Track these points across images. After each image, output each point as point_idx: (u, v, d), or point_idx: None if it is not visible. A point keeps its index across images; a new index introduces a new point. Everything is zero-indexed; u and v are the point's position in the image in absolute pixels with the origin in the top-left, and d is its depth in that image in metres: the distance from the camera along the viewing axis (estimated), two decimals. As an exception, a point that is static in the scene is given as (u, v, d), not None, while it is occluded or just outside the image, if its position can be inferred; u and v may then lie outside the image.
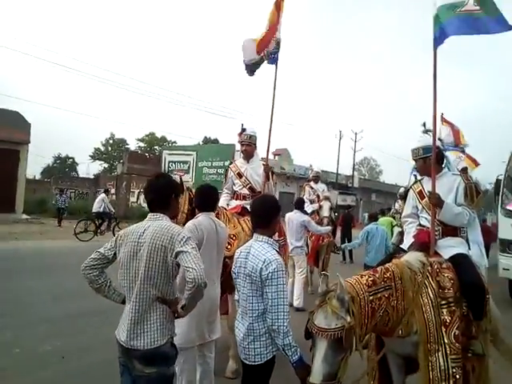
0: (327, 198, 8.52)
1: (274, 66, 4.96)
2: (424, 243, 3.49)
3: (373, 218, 8.55)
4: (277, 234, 4.93)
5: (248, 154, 5.19)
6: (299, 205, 7.86)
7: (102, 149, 58.46)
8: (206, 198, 3.65)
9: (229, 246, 4.38)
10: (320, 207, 8.46)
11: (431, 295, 3.11)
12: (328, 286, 2.70)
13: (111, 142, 58.56)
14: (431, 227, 3.51)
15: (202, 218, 3.57)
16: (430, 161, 3.64)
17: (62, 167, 58.10)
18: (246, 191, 5.13)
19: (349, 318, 2.62)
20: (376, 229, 7.97)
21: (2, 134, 20.35)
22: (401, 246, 3.76)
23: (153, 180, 2.73)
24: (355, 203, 37.35)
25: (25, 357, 4.62)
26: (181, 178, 4.25)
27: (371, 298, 2.82)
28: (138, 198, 24.63)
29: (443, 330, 3.05)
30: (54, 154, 58.70)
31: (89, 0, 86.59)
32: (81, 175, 48.26)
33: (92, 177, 40.16)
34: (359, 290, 2.79)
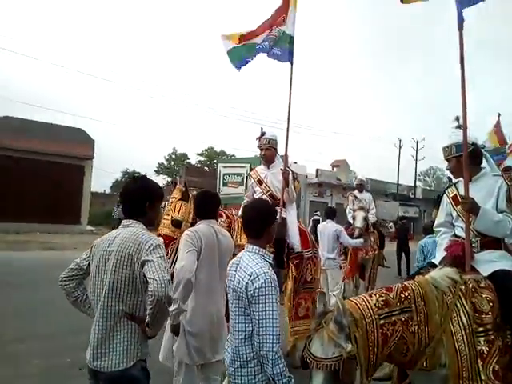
0: (362, 208, 7.85)
1: (288, 64, 4.58)
2: (457, 257, 2.93)
3: (428, 230, 7.74)
4: (300, 244, 4.53)
5: (268, 159, 4.84)
6: (330, 214, 7.35)
7: (166, 163, 60.73)
8: (206, 205, 3.36)
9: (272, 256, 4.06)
10: (354, 218, 7.83)
11: (464, 320, 2.56)
12: (326, 306, 2.28)
13: (174, 156, 60.68)
14: (466, 238, 2.95)
15: (201, 226, 3.30)
16: (453, 161, 3.12)
17: (130, 182, 60.92)
18: (266, 198, 4.77)
19: (349, 346, 2.18)
20: (433, 242, 7.22)
21: (67, 149, 21.68)
22: (433, 260, 3.20)
23: (127, 183, 2.49)
24: (418, 215, 35.24)
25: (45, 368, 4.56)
26: (185, 184, 4.01)
27: (382, 321, 2.35)
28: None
29: (479, 363, 2.50)
30: (123, 169, 61.88)
31: (142, 21, 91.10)
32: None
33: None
34: (366, 312, 2.33)
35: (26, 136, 20.45)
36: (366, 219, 7.63)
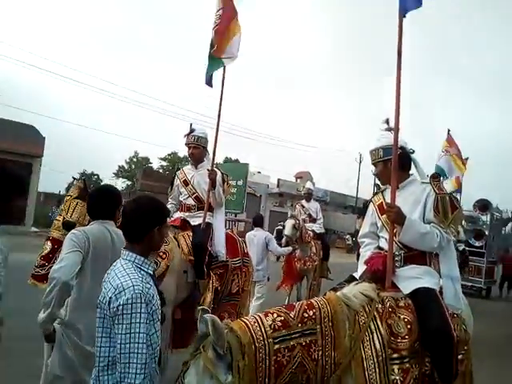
0: (292, 216, 7.53)
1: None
2: (377, 271, 2.61)
3: None
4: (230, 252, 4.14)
5: (195, 159, 4.41)
6: (259, 222, 7.05)
7: (126, 167, 59.14)
8: (101, 203, 2.88)
9: (155, 266, 3.58)
10: (283, 227, 7.61)
11: (378, 345, 2.23)
12: (210, 326, 1.86)
13: (135, 160, 59.21)
14: (389, 250, 2.64)
15: (92, 226, 2.82)
16: (380, 165, 2.83)
17: (87, 183, 58.99)
18: (191, 201, 4.35)
19: (229, 378, 1.79)
20: None
21: (14, 146, 20.44)
22: (354, 274, 2.86)
23: None
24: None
25: None
26: (85, 181, 3.54)
27: (277, 346, 1.97)
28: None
29: None
30: (79, 171, 59.77)
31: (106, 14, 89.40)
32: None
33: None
34: (257, 335, 1.94)
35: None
36: (295, 227, 7.30)
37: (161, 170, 48.24)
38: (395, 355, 2.24)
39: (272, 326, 1.99)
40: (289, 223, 7.28)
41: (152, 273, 2.04)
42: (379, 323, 2.30)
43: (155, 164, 56.19)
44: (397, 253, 2.71)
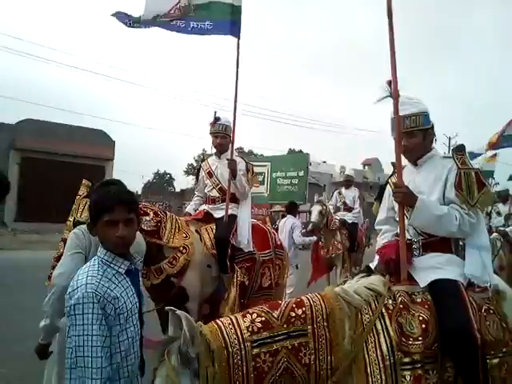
0: (319, 202, 6.97)
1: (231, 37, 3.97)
2: (390, 262, 2.27)
3: None
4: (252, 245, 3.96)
5: (222, 148, 4.24)
6: (291, 209, 6.73)
7: (195, 164, 61.15)
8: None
9: (174, 261, 3.51)
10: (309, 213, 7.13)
11: (384, 347, 1.92)
12: (183, 323, 1.69)
13: (203, 157, 61.10)
14: (400, 236, 2.28)
15: None
16: (420, 135, 2.41)
17: (161, 182, 61.86)
18: (215, 193, 4.20)
19: (196, 388, 1.60)
20: None
21: (88, 151, 21.86)
22: (370, 265, 2.53)
23: None
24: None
25: None
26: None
27: (256, 351, 1.76)
28: None
29: None
30: (154, 171, 62.75)
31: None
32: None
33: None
34: (232, 338, 1.74)
35: (48, 138, 20.77)
36: (322, 214, 6.81)
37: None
38: (406, 359, 1.91)
39: (250, 328, 1.77)
40: (315, 209, 6.83)
41: (121, 271, 1.87)
42: (388, 322, 1.99)
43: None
44: (415, 239, 2.34)
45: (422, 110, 2.40)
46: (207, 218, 4.06)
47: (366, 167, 49.44)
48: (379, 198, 2.72)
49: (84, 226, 2.77)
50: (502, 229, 7.03)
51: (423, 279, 2.19)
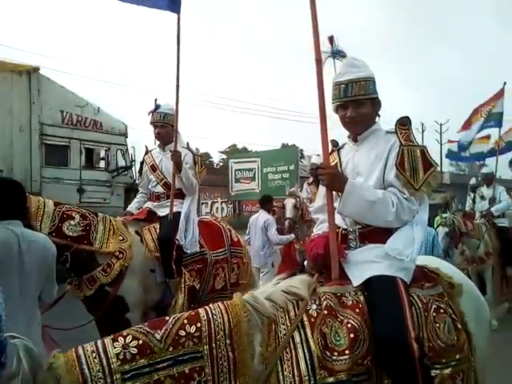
0: (292, 195, 6.30)
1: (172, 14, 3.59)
2: (318, 257, 1.90)
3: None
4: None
5: (163, 139, 3.84)
6: (264, 203, 6.33)
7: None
8: (3, 200, 2.44)
9: (108, 269, 3.13)
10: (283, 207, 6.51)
11: (303, 365, 1.56)
12: (21, 355, 1.31)
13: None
14: (329, 227, 1.90)
15: None
16: (368, 105, 2.01)
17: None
18: (160, 189, 3.80)
19: None
20: (433, 236, 6.21)
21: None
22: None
23: None
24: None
25: None
26: None
27: None
28: None
29: None
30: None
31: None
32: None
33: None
34: (94, 371, 1.36)
35: None
36: (297, 207, 6.28)
37: (222, 164, 48.56)
38: (330, 379, 1.54)
39: (122, 355, 1.39)
40: (289, 203, 6.16)
41: None
42: (309, 333, 1.62)
43: (215, 158, 56.75)
44: (351, 229, 1.97)
45: (370, 76, 2.01)
46: (150, 216, 3.67)
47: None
48: (316, 181, 2.34)
49: None
50: (485, 210, 6.62)
51: (357, 277, 1.82)
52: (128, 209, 3.97)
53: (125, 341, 1.43)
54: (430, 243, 6.02)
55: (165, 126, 3.78)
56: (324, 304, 1.69)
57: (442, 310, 1.84)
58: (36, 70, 7.89)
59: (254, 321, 1.59)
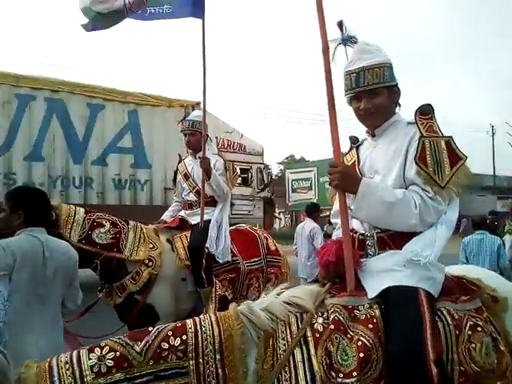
0: None
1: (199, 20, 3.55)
2: (329, 265, 1.70)
3: (477, 224, 5.94)
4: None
5: (193, 147, 3.81)
6: (311, 212, 6.03)
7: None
8: (29, 207, 2.47)
9: (137, 277, 3.12)
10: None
11: None
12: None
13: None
14: (343, 231, 1.70)
15: (20, 236, 2.42)
16: (384, 94, 1.77)
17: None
18: (192, 197, 3.76)
19: None
20: (480, 241, 5.57)
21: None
22: None
23: None
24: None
25: None
26: None
27: None
28: None
29: None
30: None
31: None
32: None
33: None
34: (66, 383, 1.28)
35: None
36: None
37: (280, 175, 48.70)
38: None
39: (96, 368, 1.30)
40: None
41: None
42: (312, 350, 1.43)
43: (274, 169, 56.93)
44: (368, 234, 1.75)
45: (385, 61, 1.77)
46: (183, 225, 3.63)
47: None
48: None
49: (5, 241, 2.45)
50: None
51: (373, 287, 1.59)
52: (162, 217, 3.97)
53: (101, 352, 1.34)
54: (495, 253, 5.44)
55: (194, 134, 3.76)
56: (332, 317, 1.50)
57: (479, 328, 1.57)
58: (198, 104, 9.44)
59: (248, 334, 1.44)
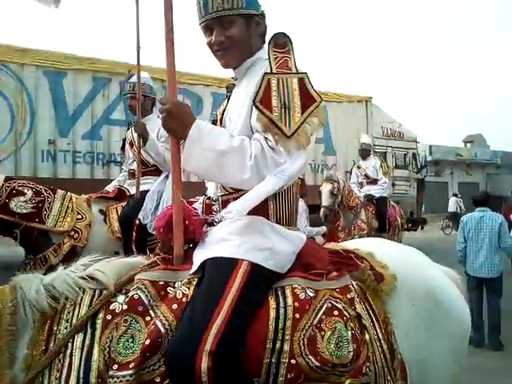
0: (329, 179, 5.54)
1: None
2: (160, 232, 1.43)
3: (479, 201, 5.34)
4: None
5: (136, 111, 3.50)
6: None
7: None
8: None
9: (58, 249, 2.93)
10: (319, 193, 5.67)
11: (73, 381, 1.12)
12: None
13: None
14: (173, 190, 1.36)
15: None
16: (241, 24, 1.39)
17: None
18: (135, 166, 3.49)
19: None
20: (480, 219, 5.02)
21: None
22: None
23: None
24: None
25: None
26: None
27: None
28: None
29: None
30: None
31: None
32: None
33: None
34: None
35: None
36: (334, 193, 5.44)
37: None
38: None
39: None
40: (325, 189, 5.47)
41: None
42: (97, 335, 1.15)
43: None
44: (214, 198, 1.43)
45: None
46: (120, 195, 3.39)
47: (468, 144, 44.85)
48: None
49: None
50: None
51: (197, 260, 1.29)
52: (106, 187, 3.73)
53: None
54: (496, 231, 4.88)
55: (135, 97, 3.42)
56: (130, 295, 1.20)
57: (336, 312, 1.23)
58: (370, 99, 11.29)
59: (22, 314, 1.17)
